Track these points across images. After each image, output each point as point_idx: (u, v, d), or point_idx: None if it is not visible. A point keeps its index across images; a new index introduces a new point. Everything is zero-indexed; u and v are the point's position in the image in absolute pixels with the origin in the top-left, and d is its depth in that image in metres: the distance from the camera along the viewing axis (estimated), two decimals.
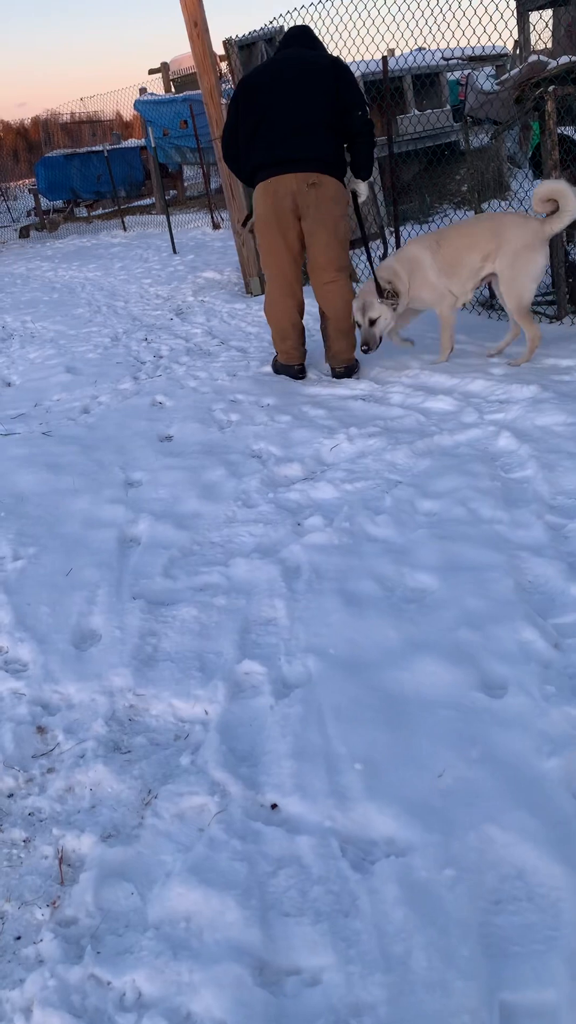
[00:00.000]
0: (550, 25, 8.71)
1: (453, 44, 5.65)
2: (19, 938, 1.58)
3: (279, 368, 5.03)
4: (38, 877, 1.71)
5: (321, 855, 1.63)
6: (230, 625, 2.44)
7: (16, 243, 18.22)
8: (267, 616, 2.48)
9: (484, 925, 1.46)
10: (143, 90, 18.22)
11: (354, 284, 5.16)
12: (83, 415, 4.79)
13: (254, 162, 4.56)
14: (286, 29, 4.93)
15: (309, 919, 1.50)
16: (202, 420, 4.38)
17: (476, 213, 5.75)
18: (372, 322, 4.53)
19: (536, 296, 5.46)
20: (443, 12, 5.39)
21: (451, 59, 9.14)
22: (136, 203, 20.08)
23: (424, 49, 8.55)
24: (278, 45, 4.78)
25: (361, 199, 4.71)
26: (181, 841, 1.73)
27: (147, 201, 19.98)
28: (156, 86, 19.24)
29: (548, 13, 8.69)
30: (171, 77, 19.44)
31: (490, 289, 5.81)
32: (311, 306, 4.99)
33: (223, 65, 9.56)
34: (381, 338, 4.61)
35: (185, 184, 20.07)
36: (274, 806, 1.78)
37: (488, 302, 5.78)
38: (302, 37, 4.66)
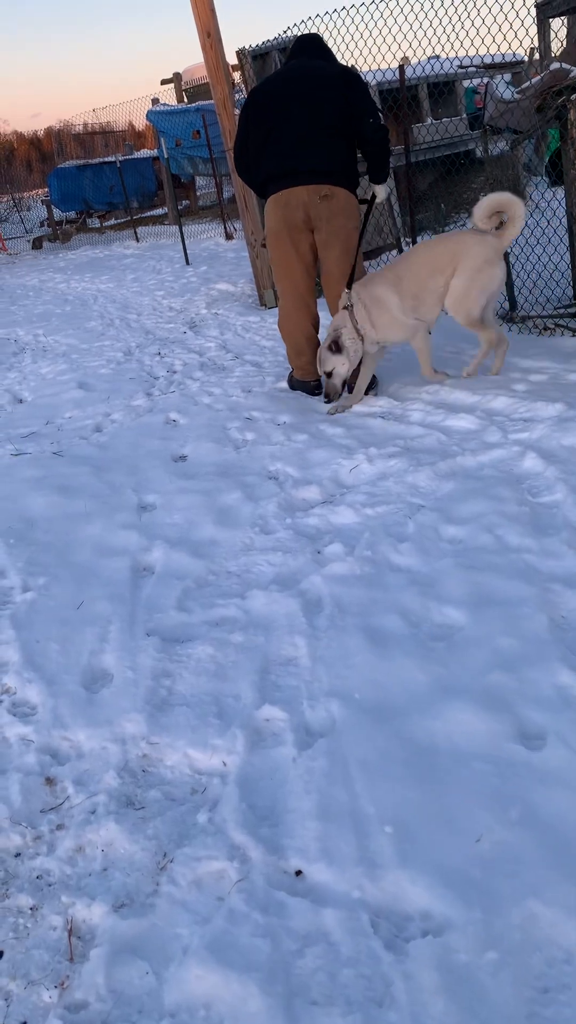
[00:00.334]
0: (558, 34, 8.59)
1: (472, 52, 5.53)
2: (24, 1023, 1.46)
3: (295, 384, 4.93)
4: (46, 952, 1.59)
5: (351, 931, 1.51)
6: (248, 665, 2.32)
7: (29, 254, 18.23)
8: (287, 655, 2.35)
9: (531, 1017, 1.33)
10: (155, 101, 18.21)
11: None
12: (95, 434, 4.69)
13: (265, 174, 4.49)
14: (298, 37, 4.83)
15: (339, 1009, 1.38)
16: (217, 439, 4.27)
17: None
18: (329, 374, 4.42)
19: (559, 309, 5.34)
20: (461, 20, 5.27)
21: (467, 67, 9.03)
22: (148, 213, 20.09)
23: (439, 57, 8.44)
24: (288, 54, 4.69)
25: (380, 199, 4.61)
26: (199, 912, 1.61)
27: (159, 211, 19.98)
28: (168, 96, 19.24)
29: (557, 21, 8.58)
30: (183, 87, 19.43)
31: (509, 299, 5.68)
32: (326, 319, 4.87)
33: (236, 75, 9.48)
34: (344, 384, 4.47)
35: (198, 194, 20.05)
36: (298, 873, 1.66)
37: (508, 314, 5.65)
38: (312, 46, 4.57)
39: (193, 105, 16.46)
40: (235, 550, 3.05)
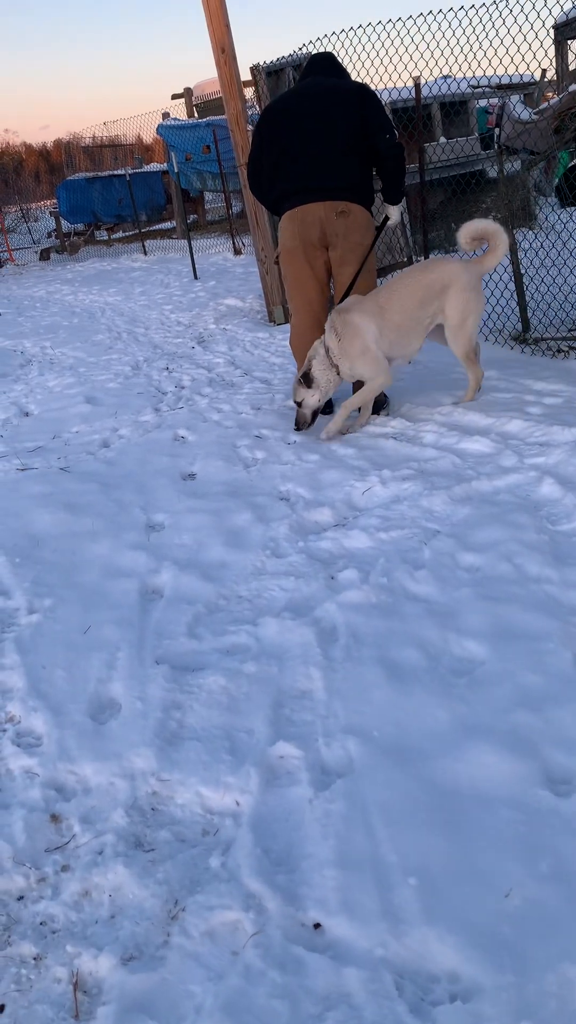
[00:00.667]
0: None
1: (489, 72, 5.50)
2: None
3: None
4: (49, 1007, 1.50)
5: (374, 993, 1.42)
6: (261, 698, 2.24)
7: (36, 265, 18.25)
8: (302, 688, 2.27)
9: None
10: (166, 115, 18.28)
11: None
12: (103, 449, 4.62)
13: (279, 191, 4.46)
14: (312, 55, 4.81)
15: None
16: (226, 457, 4.20)
17: (509, 242, 5.58)
18: (299, 404, 4.36)
19: (572, 331, 5.28)
20: (479, 40, 5.25)
21: (479, 87, 9.03)
22: (157, 227, 20.12)
23: (450, 77, 8.44)
24: (302, 72, 4.67)
25: (392, 223, 4.55)
26: (212, 967, 1.52)
27: (168, 225, 20.02)
28: (179, 111, 19.31)
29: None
30: (194, 103, 19.51)
31: (522, 321, 5.63)
32: None
33: (249, 91, 9.48)
34: (315, 414, 4.39)
35: (206, 208, 20.10)
36: (317, 926, 1.57)
37: (521, 336, 5.60)
38: (326, 64, 4.54)
39: (204, 120, 16.52)
40: (246, 574, 2.97)
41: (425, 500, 3.35)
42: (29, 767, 2.10)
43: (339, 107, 4.27)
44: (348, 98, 4.28)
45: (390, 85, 6.19)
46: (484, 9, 5.24)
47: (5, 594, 3.01)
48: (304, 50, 6.93)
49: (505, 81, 9.15)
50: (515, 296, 5.67)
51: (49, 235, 23.60)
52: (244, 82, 7.55)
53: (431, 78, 6.77)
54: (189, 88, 19.94)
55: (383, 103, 4.43)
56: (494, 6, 5.15)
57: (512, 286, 5.70)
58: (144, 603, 2.85)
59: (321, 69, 4.51)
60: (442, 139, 9.01)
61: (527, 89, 9.44)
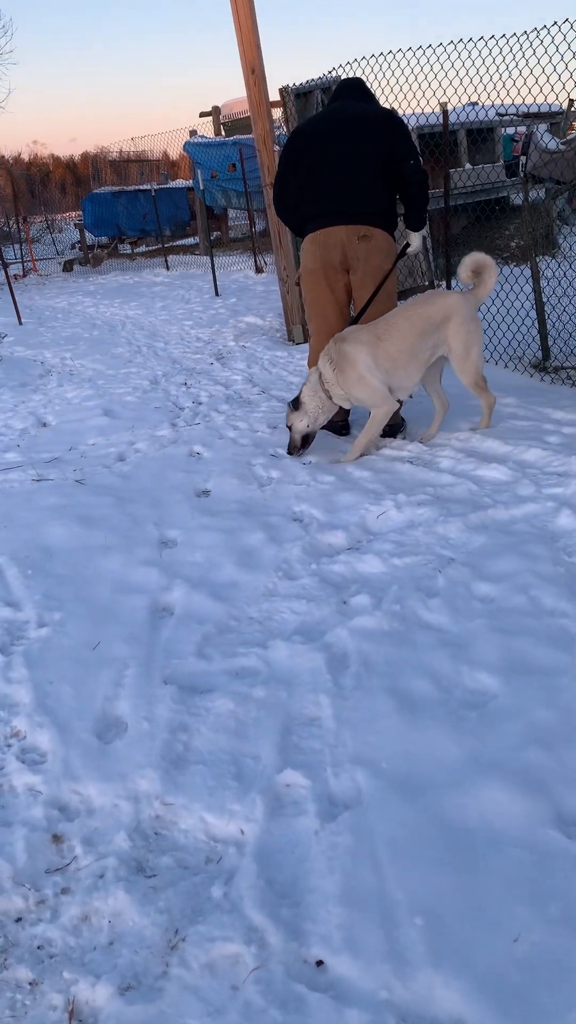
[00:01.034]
0: None
1: (516, 100, 5.53)
2: None
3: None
4: None
5: None
6: (269, 723, 2.21)
7: (59, 276, 18.39)
8: (310, 714, 2.24)
9: None
10: (193, 132, 18.45)
11: None
12: (118, 463, 4.62)
13: (304, 213, 4.50)
14: (341, 79, 4.84)
15: None
16: (241, 475, 4.19)
17: (531, 268, 5.58)
18: (289, 428, 4.38)
19: None
20: (508, 69, 5.27)
21: (506, 115, 9.06)
22: (180, 242, 20.27)
23: (477, 104, 8.48)
24: (331, 96, 4.70)
25: (412, 250, 4.55)
26: (211, 1001, 1.49)
27: (191, 241, 20.15)
28: (207, 129, 19.47)
29: None
30: (222, 121, 19.68)
31: (543, 349, 5.61)
32: None
33: (277, 112, 9.56)
34: (304, 439, 4.39)
35: (229, 226, 20.23)
36: (320, 963, 1.54)
37: (541, 364, 5.58)
38: (355, 89, 4.57)
39: (230, 139, 16.66)
40: (257, 595, 2.95)
41: (440, 527, 3.33)
42: (33, 784, 2.08)
43: (367, 132, 4.29)
44: (376, 124, 4.30)
45: (417, 111, 6.21)
46: (515, 39, 5.26)
47: (15, 606, 3.00)
48: (333, 73, 6.98)
49: (532, 110, 9.18)
50: (536, 324, 5.66)
51: (73, 247, 23.79)
52: (272, 103, 7.60)
53: (458, 104, 6.80)
54: (217, 106, 20.12)
55: (410, 129, 4.45)
56: (524, 36, 5.17)
57: (533, 314, 5.70)
58: (154, 620, 2.83)
59: (350, 94, 4.54)
60: (467, 165, 9.04)
61: (554, 118, 9.47)
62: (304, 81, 7.22)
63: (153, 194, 17.56)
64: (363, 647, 2.52)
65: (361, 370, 4.13)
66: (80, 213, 21.93)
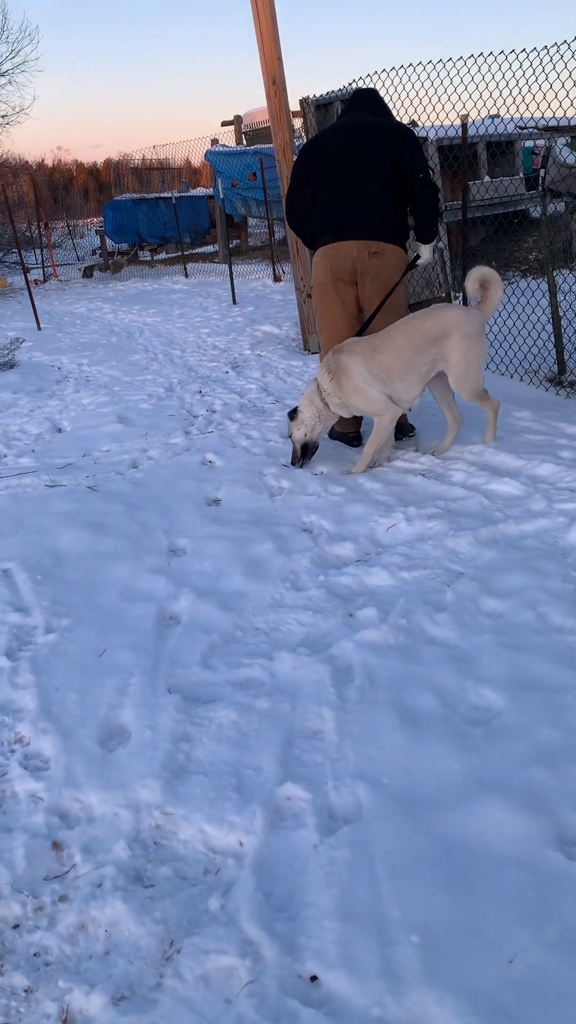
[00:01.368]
0: None
1: (536, 114, 5.53)
2: None
3: (334, 434, 4.87)
4: None
5: None
6: (272, 735, 2.21)
7: (79, 282, 18.53)
8: (313, 727, 2.24)
9: None
10: (215, 141, 18.57)
11: None
12: (131, 470, 4.65)
13: (315, 227, 4.54)
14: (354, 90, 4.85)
15: None
16: (252, 485, 4.20)
17: (549, 282, 5.57)
18: (290, 436, 4.42)
19: None
20: (527, 81, 5.26)
21: (526, 128, 9.06)
22: (199, 250, 20.37)
23: (498, 117, 8.48)
24: (343, 108, 4.71)
25: (422, 262, 4.55)
26: (204, 1014, 1.49)
27: (210, 248, 20.24)
28: (228, 138, 19.60)
29: None
30: (243, 130, 19.80)
31: (559, 363, 5.60)
32: None
33: (297, 122, 9.61)
34: (305, 448, 4.41)
35: (249, 234, 20.32)
36: (314, 978, 1.53)
37: (556, 378, 5.56)
38: (367, 101, 4.59)
39: (251, 148, 16.75)
40: (264, 605, 2.95)
41: (450, 540, 3.32)
42: (35, 791, 2.09)
43: (377, 145, 4.32)
44: (386, 136, 4.33)
45: (437, 123, 6.22)
46: (535, 53, 5.26)
47: (24, 611, 3.01)
48: (353, 85, 7.00)
49: (552, 123, 9.16)
50: (552, 338, 5.65)
51: (93, 252, 23.98)
52: (293, 113, 7.64)
53: (478, 117, 6.81)
54: (239, 116, 20.26)
55: (426, 141, 4.46)
56: (545, 51, 5.17)
57: (550, 327, 5.68)
58: (160, 629, 2.84)
59: (362, 105, 4.56)
60: (486, 178, 9.05)
61: (574, 132, 9.45)
62: (324, 92, 7.26)
63: (174, 202, 17.67)
64: (368, 660, 2.52)
65: (357, 381, 4.14)
66: (101, 219, 22.10)
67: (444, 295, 7.09)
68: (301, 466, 4.44)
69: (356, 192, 4.33)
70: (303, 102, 7.27)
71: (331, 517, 3.68)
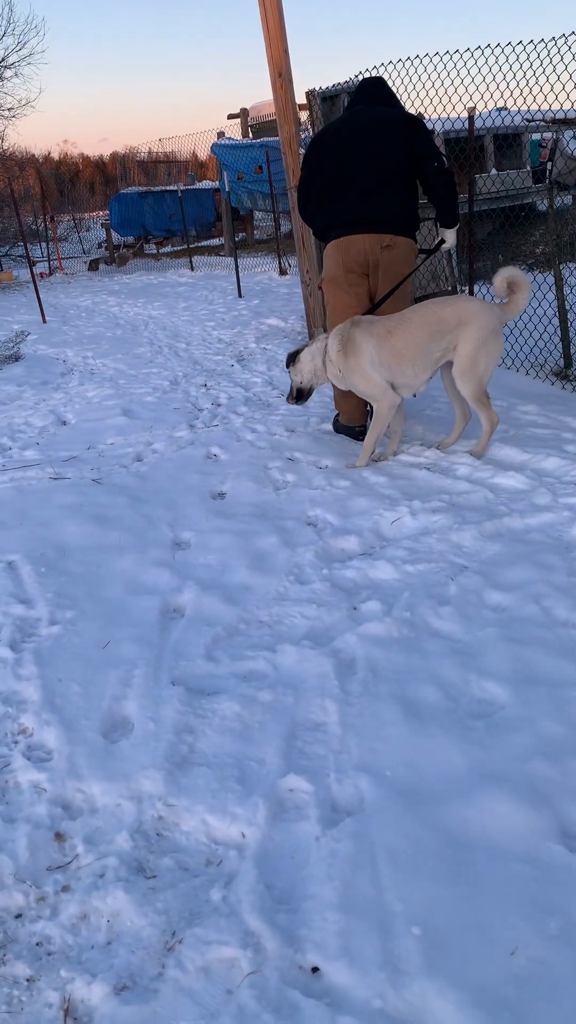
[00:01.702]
0: None
1: (544, 106, 5.49)
2: None
3: (340, 428, 4.87)
4: None
5: None
6: (275, 727, 2.21)
7: (85, 275, 18.51)
8: (316, 720, 2.24)
9: None
10: (221, 134, 18.51)
11: None
12: (136, 463, 4.64)
13: (327, 220, 4.51)
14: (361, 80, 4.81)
15: None
16: (257, 478, 4.20)
17: (555, 276, 5.54)
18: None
19: None
20: (535, 74, 5.23)
21: (533, 120, 9.00)
22: (205, 243, 20.34)
23: (506, 109, 8.44)
24: (351, 98, 4.68)
25: (447, 246, 4.54)
26: (205, 1004, 1.49)
27: (216, 241, 20.23)
28: (234, 131, 19.54)
29: None
30: (249, 123, 19.73)
31: (565, 357, 5.58)
32: None
33: (303, 115, 9.57)
34: (300, 392, 4.46)
35: (255, 227, 20.27)
36: (315, 970, 1.54)
37: (563, 372, 5.54)
38: (375, 90, 4.56)
39: (258, 141, 16.70)
40: (268, 598, 2.95)
41: (455, 534, 3.31)
42: (38, 782, 2.09)
43: (386, 136, 4.29)
44: (395, 127, 4.30)
45: (443, 115, 6.20)
46: (543, 44, 5.23)
47: (28, 603, 3.02)
48: (359, 78, 6.97)
49: (560, 116, 9.11)
50: (559, 331, 5.62)
51: (99, 246, 23.94)
52: (299, 106, 7.61)
53: (485, 109, 6.77)
54: (245, 108, 20.18)
55: (432, 134, 4.44)
56: (552, 42, 5.14)
57: (556, 321, 5.66)
58: (164, 621, 2.84)
59: (370, 95, 4.53)
60: (493, 171, 9.00)
61: None
62: (331, 85, 7.23)
63: (179, 195, 17.64)
64: (372, 653, 2.51)
65: (363, 363, 4.12)
66: (107, 213, 22.08)
67: (450, 288, 7.06)
68: (297, 404, 4.51)
69: (367, 186, 4.32)
70: (309, 95, 7.24)
71: (336, 511, 3.68)
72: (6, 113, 21.09)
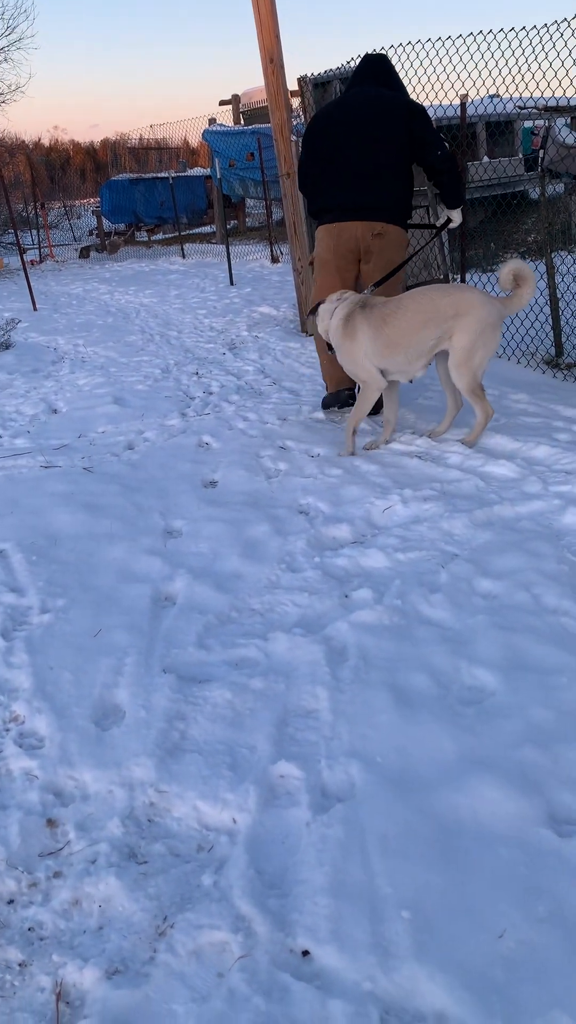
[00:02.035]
0: None
1: (536, 93, 5.47)
2: None
3: (329, 401, 4.88)
4: (31, 1017, 1.49)
5: None
6: (266, 714, 2.22)
7: (76, 262, 18.39)
8: (307, 707, 2.25)
9: None
10: (212, 121, 18.39)
11: None
12: (127, 451, 4.63)
13: (321, 204, 4.52)
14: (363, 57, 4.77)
15: None
16: (249, 467, 4.19)
17: (547, 264, 5.54)
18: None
19: None
20: (528, 61, 5.21)
21: (525, 108, 8.97)
22: (196, 230, 20.24)
23: (498, 96, 8.40)
24: (352, 77, 4.65)
25: (456, 223, 4.55)
26: (197, 988, 1.50)
27: (207, 229, 20.12)
28: (226, 117, 19.42)
29: None
30: (240, 110, 19.61)
31: (556, 345, 5.58)
32: None
33: (295, 101, 9.51)
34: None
35: (247, 214, 20.18)
36: (305, 953, 1.55)
37: (554, 360, 5.55)
38: (376, 69, 4.53)
39: (249, 128, 16.60)
40: (260, 586, 2.96)
41: (446, 522, 3.32)
42: (29, 769, 2.10)
43: (385, 120, 4.28)
44: (394, 113, 4.28)
45: (435, 102, 6.17)
46: (535, 31, 5.21)
47: (19, 592, 3.02)
48: (351, 64, 6.93)
49: (552, 103, 9.08)
50: (550, 320, 5.63)
51: (90, 233, 23.79)
52: (291, 92, 7.56)
53: (477, 96, 6.75)
54: (237, 95, 20.05)
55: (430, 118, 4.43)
56: (545, 29, 5.12)
57: (548, 309, 5.66)
58: (156, 610, 2.85)
59: (370, 76, 4.50)
60: (485, 159, 8.98)
61: (574, 112, 9.37)
62: (323, 71, 7.19)
63: (171, 182, 17.54)
64: (363, 641, 2.52)
65: (357, 350, 4.14)
66: (98, 200, 21.92)
67: (443, 276, 7.05)
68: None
69: (362, 172, 4.32)
70: (301, 81, 7.21)
71: (327, 499, 3.68)
72: None
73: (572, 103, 9.43)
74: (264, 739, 2.12)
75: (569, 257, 7.60)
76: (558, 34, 4.98)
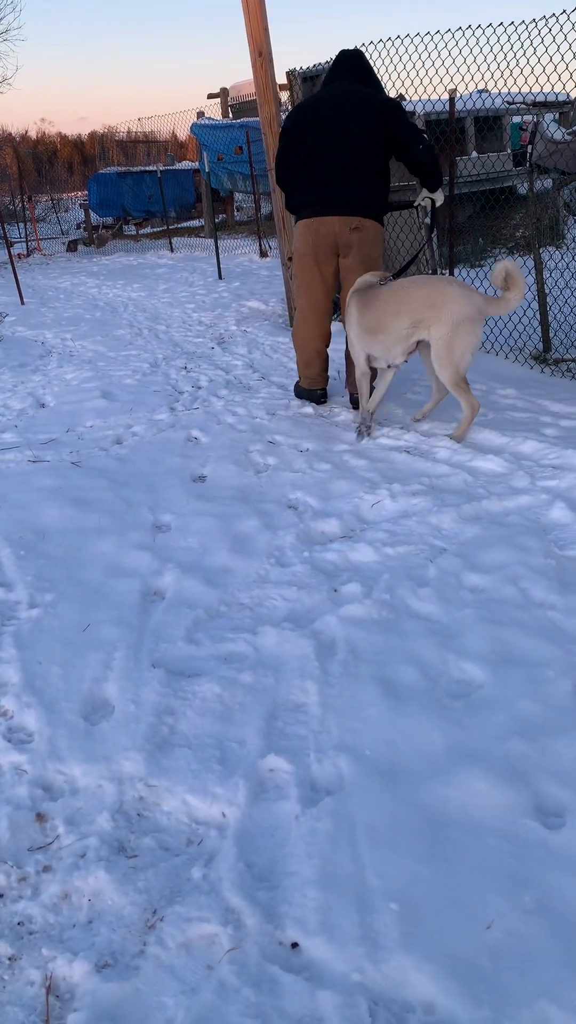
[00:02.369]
0: None
1: (524, 88, 5.48)
2: None
3: (301, 393, 5.12)
4: (20, 1010, 1.49)
5: (348, 1019, 1.41)
6: (255, 708, 2.23)
7: (63, 256, 18.30)
8: (297, 701, 2.26)
9: None
10: (201, 114, 18.31)
11: None
12: (115, 446, 4.62)
13: (299, 199, 4.60)
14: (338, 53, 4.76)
15: None
16: (238, 462, 4.19)
17: (535, 259, 5.56)
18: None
19: None
20: (516, 57, 5.22)
21: (514, 103, 8.99)
22: (184, 224, 20.17)
23: (487, 92, 8.41)
24: (328, 73, 4.65)
25: (439, 203, 4.57)
26: (186, 980, 1.51)
27: (196, 223, 20.05)
28: (214, 111, 19.34)
29: None
30: (229, 103, 19.54)
31: (544, 340, 5.60)
32: (337, 340, 5.11)
33: (284, 95, 9.49)
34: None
35: (235, 208, 20.12)
36: (294, 945, 1.56)
37: (542, 355, 5.57)
38: (352, 65, 4.54)
39: (238, 121, 16.54)
40: (249, 581, 2.96)
41: (434, 517, 3.33)
42: (18, 763, 2.09)
43: (362, 117, 4.31)
44: (370, 110, 4.31)
45: (424, 97, 6.17)
46: (523, 26, 5.22)
47: (7, 586, 3.01)
48: None
49: (540, 99, 9.10)
50: (538, 315, 5.65)
51: (78, 227, 23.65)
52: (280, 86, 7.54)
53: (466, 91, 6.75)
54: (226, 88, 19.97)
55: (413, 116, 4.46)
56: (533, 24, 5.13)
57: (535, 304, 5.68)
58: (145, 604, 2.85)
59: (346, 72, 4.50)
60: (474, 154, 8.98)
61: (562, 108, 9.39)
62: (311, 65, 7.17)
63: (159, 175, 17.45)
64: (352, 635, 2.53)
65: (351, 329, 4.40)
66: (86, 193, 21.80)
67: (431, 271, 7.06)
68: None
69: (339, 168, 4.36)
70: (290, 74, 7.19)
71: (316, 494, 3.69)
72: None
73: (560, 98, 9.45)
74: (253, 733, 2.13)
75: (557, 253, 7.63)
76: (547, 30, 4.98)
